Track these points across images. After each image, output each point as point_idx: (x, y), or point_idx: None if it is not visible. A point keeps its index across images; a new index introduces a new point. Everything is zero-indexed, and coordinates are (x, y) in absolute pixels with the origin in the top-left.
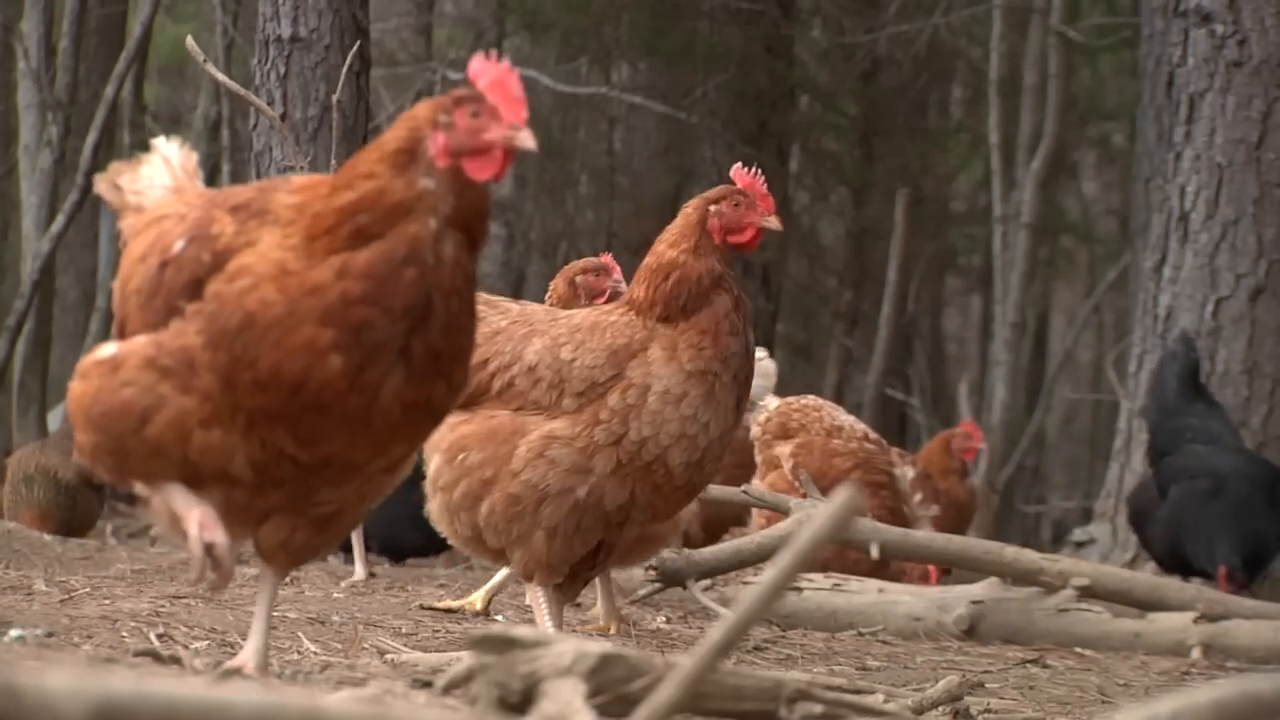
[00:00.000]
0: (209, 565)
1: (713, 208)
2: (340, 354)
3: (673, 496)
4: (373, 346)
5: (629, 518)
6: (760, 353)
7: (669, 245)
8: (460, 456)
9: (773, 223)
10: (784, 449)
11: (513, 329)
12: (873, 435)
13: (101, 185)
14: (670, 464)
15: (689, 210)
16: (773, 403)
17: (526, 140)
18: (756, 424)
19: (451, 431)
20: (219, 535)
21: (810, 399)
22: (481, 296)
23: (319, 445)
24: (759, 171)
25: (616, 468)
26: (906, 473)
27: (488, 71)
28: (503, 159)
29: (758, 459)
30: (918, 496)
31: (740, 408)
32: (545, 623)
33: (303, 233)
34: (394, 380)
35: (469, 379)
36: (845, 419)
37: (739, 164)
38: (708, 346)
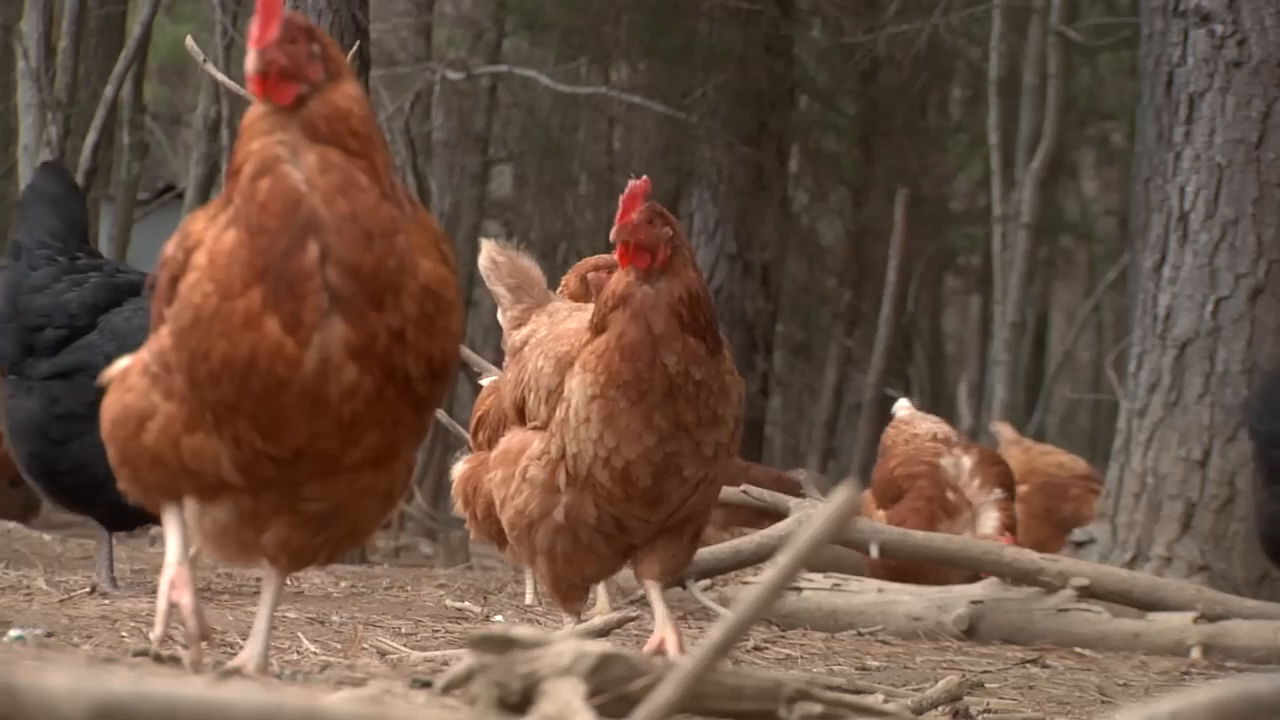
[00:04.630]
0: (170, 623)
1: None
2: (274, 312)
3: (632, 508)
4: (289, 277)
5: (622, 527)
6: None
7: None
8: (490, 474)
9: (613, 231)
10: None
11: (542, 339)
12: (942, 434)
13: None
14: (599, 479)
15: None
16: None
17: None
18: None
19: (499, 448)
20: (185, 598)
21: (909, 415)
22: (570, 304)
23: (282, 435)
24: (641, 183)
25: (569, 481)
26: (961, 461)
27: None
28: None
29: None
30: (975, 482)
31: (662, 428)
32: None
33: (215, 205)
34: (335, 326)
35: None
36: (924, 426)
37: (639, 178)
38: (601, 371)
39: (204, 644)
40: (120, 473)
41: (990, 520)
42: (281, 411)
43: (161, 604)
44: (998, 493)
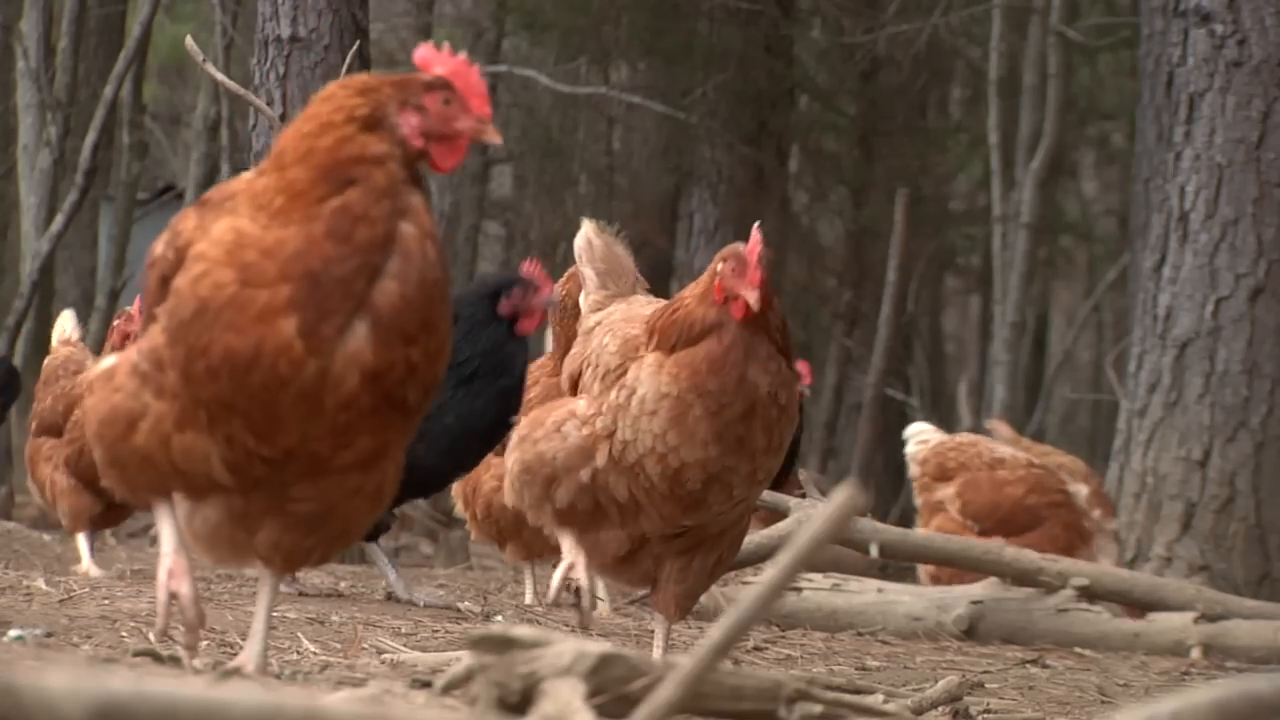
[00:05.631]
0: (171, 614)
1: (719, 266)
2: (295, 313)
3: (667, 502)
4: (329, 290)
5: (641, 510)
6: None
7: (689, 288)
8: (520, 426)
9: (752, 297)
10: (947, 491)
11: (613, 319)
12: (1037, 461)
13: None
14: (649, 471)
15: (711, 264)
16: (931, 438)
17: (493, 134)
18: (914, 464)
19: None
20: (184, 587)
21: (965, 436)
22: (648, 297)
23: (275, 436)
24: (761, 238)
25: (609, 462)
26: (1080, 489)
27: (446, 62)
28: (465, 150)
29: (917, 502)
30: (1096, 512)
31: (728, 441)
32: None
33: (275, 199)
34: (353, 342)
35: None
36: (1005, 451)
37: (757, 224)
38: (684, 378)
39: (201, 632)
40: (108, 473)
41: (1111, 550)
42: (277, 411)
43: (161, 595)
44: (1115, 522)
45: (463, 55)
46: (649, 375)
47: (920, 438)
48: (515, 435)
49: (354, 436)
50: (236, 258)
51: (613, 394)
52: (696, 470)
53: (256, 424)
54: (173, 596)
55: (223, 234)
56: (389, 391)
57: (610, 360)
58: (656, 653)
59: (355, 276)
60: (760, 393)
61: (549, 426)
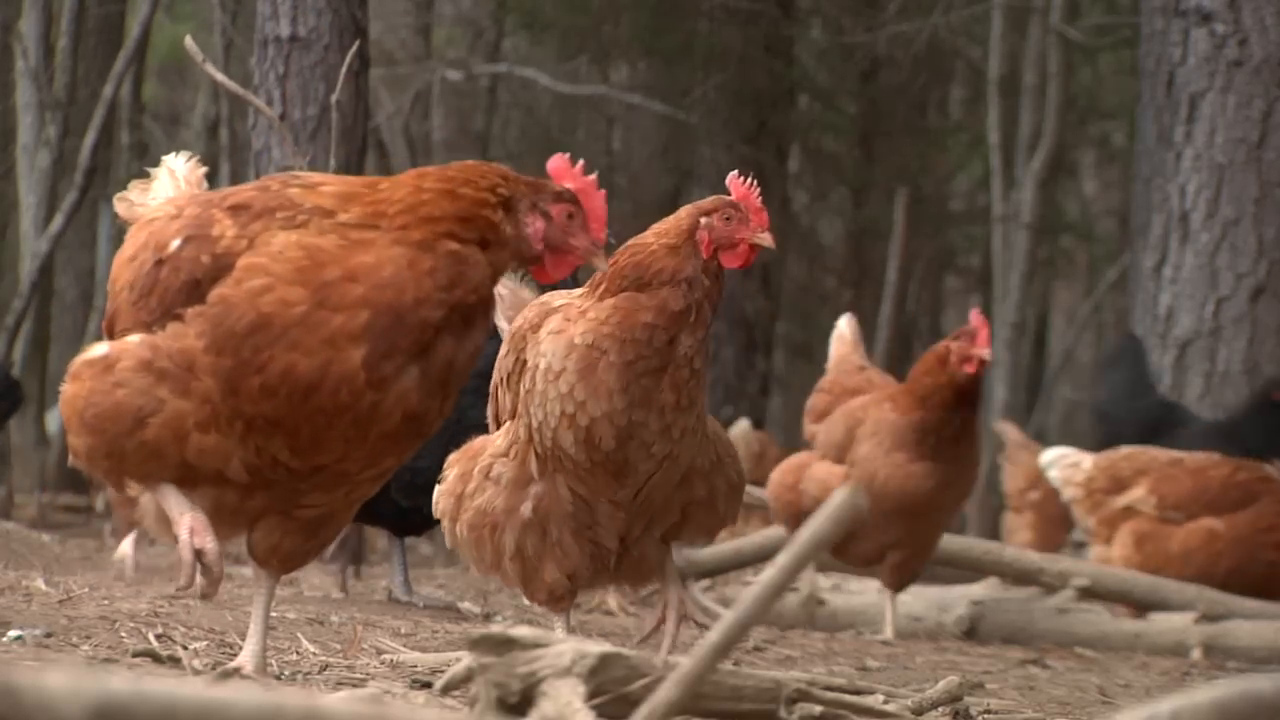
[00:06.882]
0: (198, 571)
1: (704, 220)
2: (366, 343)
3: (598, 482)
4: (406, 329)
5: (593, 519)
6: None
7: (653, 233)
8: (449, 471)
9: (765, 239)
10: (1136, 493)
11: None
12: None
13: (119, 204)
14: (564, 446)
15: (681, 214)
16: (1078, 459)
17: (602, 260)
18: (1072, 485)
19: (460, 450)
20: (209, 541)
21: (1130, 447)
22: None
23: (314, 455)
24: (754, 182)
25: (539, 464)
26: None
27: (577, 178)
28: (573, 268)
29: (1088, 524)
30: None
31: (634, 395)
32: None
33: (366, 219)
34: (405, 382)
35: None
36: (1178, 452)
37: (735, 172)
38: (610, 322)
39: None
40: (100, 462)
41: None
42: (328, 434)
43: (186, 555)
44: None
45: (593, 176)
46: (551, 340)
47: (1066, 461)
48: (449, 496)
49: (383, 458)
50: (312, 277)
51: (522, 385)
52: (605, 425)
53: (300, 442)
54: (199, 553)
55: (286, 248)
56: (420, 428)
57: (507, 363)
58: (670, 587)
59: (429, 327)
60: (677, 353)
61: (477, 476)
